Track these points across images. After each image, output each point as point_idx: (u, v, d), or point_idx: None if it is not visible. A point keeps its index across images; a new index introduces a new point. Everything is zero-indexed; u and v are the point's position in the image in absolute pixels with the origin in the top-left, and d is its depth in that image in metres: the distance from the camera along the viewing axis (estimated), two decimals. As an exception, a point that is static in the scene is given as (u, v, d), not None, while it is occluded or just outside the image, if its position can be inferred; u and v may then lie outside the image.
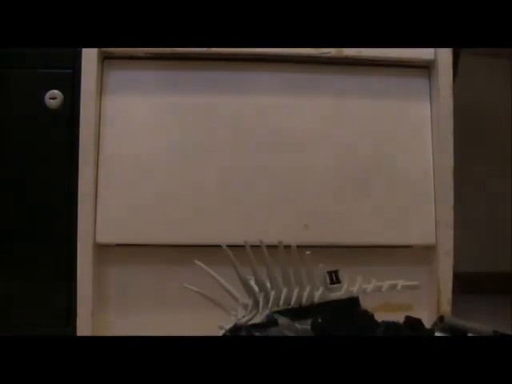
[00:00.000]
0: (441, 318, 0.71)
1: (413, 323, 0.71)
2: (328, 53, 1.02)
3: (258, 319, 0.71)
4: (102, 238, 0.99)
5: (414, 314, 0.75)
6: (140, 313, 1.01)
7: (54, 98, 1.01)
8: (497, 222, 1.83)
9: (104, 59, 1.02)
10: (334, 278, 0.74)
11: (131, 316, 1.01)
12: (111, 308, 1.01)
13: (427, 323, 0.73)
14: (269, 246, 0.74)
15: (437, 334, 0.71)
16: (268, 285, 0.74)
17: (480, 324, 0.70)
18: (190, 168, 1.01)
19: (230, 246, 0.75)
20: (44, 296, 1.01)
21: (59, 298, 1.01)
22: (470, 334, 0.70)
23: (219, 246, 0.75)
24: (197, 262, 0.78)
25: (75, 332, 0.98)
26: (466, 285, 1.44)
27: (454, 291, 1.03)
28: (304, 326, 0.69)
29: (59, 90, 1.01)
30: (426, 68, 1.06)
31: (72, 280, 0.99)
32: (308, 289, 0.73)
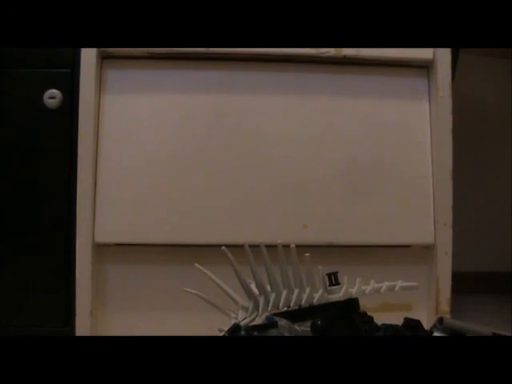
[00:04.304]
0: (440, 320, 0.70)
1: (412, 325, 0.70)
2: (327, 52, 1.02)
3: (257, 321, 0.71)
4: (101, 238, 0.99)
5: (413, 314, 0.75)
6: (139, 313, 1.01)
7: (53, 97, 1.01)
8: (496, 222, 1.83)
9: (103, 59, 1.02)
10: (333, 279, 0.74)
11: (130, 316, 1.01)
12: (110, 308, 1.01)
13: (426, 323, 0.73)
14: (268, 246, 0.74)
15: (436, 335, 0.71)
16: (268, 287, 0.74)
17: (479, 325, 0.70)
18: (190, 168, 1.01)
19: (229, 246, 0.75)
20: (43, 296, 1.01)
21: (58, 297, 1.01)
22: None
23: (219, 246, 0.75)
24: (196, 265, 0.78)
25: (74, 332, 0.98)
26: (466, 285, 1.44)
27: (454, 291, 1.03)
28: (303, 328, 0.69)
29: (58, 89, 1.01)
30: (424, 68, 1.06)
31: (71, 280, 0.99)
32: (307, 290, 0.73)
